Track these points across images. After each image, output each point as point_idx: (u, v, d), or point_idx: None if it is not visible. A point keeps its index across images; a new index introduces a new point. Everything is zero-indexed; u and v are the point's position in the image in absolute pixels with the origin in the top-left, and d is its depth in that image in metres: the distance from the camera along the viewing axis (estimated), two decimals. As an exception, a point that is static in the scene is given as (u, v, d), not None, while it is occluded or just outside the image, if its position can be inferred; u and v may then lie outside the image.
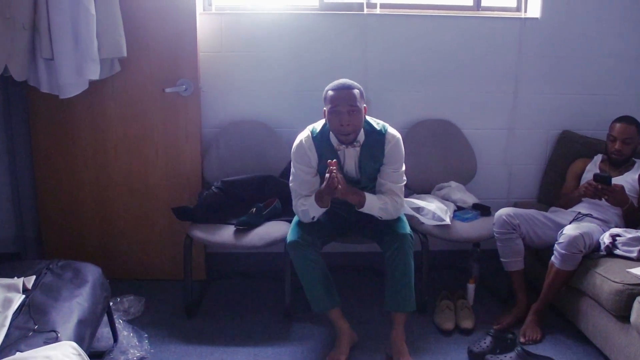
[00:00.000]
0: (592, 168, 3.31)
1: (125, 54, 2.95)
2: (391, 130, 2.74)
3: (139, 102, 3.21)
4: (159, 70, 3.13)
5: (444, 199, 3.38)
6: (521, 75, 3.53)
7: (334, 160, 2.54)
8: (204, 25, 3.29)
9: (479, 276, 3.28)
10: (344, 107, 2.57)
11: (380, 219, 2.73)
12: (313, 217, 2.71)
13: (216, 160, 3.33)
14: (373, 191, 2.78)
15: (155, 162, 3.27)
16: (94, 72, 2.84)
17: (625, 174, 3.20)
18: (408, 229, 2.74)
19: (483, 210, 3.32)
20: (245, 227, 2.92)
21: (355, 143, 2.67)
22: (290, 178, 2.76)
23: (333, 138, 2.69)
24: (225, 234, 2.93)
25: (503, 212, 3.07)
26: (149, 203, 3.32)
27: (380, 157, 2.73)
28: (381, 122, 2.77)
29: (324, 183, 2.55)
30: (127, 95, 3.20)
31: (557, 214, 3.20)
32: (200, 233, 2.95)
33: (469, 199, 3.39)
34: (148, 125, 3.23)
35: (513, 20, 3.48)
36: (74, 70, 2.82)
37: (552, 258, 2.88)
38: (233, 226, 2.94)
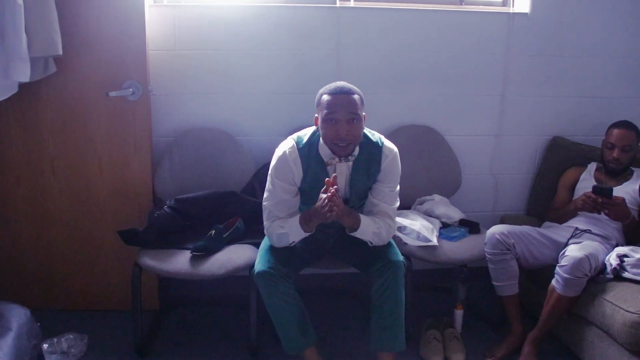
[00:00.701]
0: (587, 177, 3.11)
1: (60, 52, 2.56)
2: (388, 144, 2.44)
3: (78, 108, 2.83)
4: (102, 71, 2.78)
5: (427, 214, 3.10)
6: (509, 76, 3.31)
7: (334, 175, 2.25)
8: (155, 19, 2.96)
9: (467, 299, 3.01)
10: (342, 115, 2.24)
11: (369, 244, 2.41)
12: (292, 243, 2.37)
13: (169, 175, 2.98)
14: (361, 211, 2.48)
15: (99, 177, 2.90)
16: (24, 74, 2.41)
17: (625, 184, 2.99)
18: (400, 256, 2.43)
19: (471, 227, 3.04)
20: (202, 253, 2.57)
21: (349, 157, 2.35)
22: (265, 195, 2.40)
23: (323, 149, 2.35)
24: (180, 261, 2.57)
25: (496, 230, 2.79)
26: (92, 224, 2.95)
27: (375, 173, 2.42)
28: (376, 134, 2.47)
29: (318, 205, 2.22)
30: (64, 101, 2.81)
31: (552, 230, 2.95)
32: (150, 260, 2.57)
33: (455, 214, 3.12)
34: (90, 135, 2.85)
35: (500, 16, 3.25)
36: (-1, 70, 2.39)
37: (553, 282, 2.61)
38: (189, 252, 2.59)
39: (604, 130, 3.07)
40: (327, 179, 2.22)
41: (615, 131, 2.97)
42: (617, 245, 2.79)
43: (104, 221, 2.94)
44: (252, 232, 2.76)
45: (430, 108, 3.29)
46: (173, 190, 2.95)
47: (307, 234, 2.35)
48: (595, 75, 3.37)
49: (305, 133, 2.42)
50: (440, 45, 3.23)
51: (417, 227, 2.78)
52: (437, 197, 3.16)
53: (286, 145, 2.37)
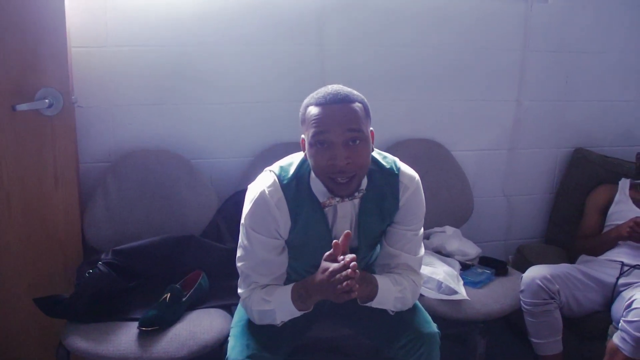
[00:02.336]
0: (622, 199, 2.73)
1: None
2: (407, 170, 1.83)
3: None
4: (6, 77, 2.22)
5: (436, 251, 2.58)
6: (526, 76, 2.93)
7: (346, 233, 1.64)
8: (79, 6, 2.40)
9: (487, 355, 2.51)
10: (337, 136, 1.62)
11: (390, 312, 1.82)
12: (280, 323, 1.76)
13: (104, 215, 2.40)
14: (372, 263, 1.94)
15: (7, 220, 2.29)
16: None
17: None
18: (434, 325, 1.85)
19: (498, 267, 2.53)
20: (155, 328, 1.96)
21: (355, 193, 1.72)
22: (239, 254, 1.78)
23: (317, 186, 1.73)
24: (123, 340, 1.93)
25: (535, 274, 2.34)
26: (-1, 285, 2.36)
27: (391, 212, 1.81)
28: (389, 156, 1.87)
29: (323, 278, 1.61)
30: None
31: (593, 267, 2.52)
32: (80, 340, 1.93)
33: (471, 250, 2.63)
34: (-9, 164, 2.29)
35: (516, 4, 2.85)
36: None
37: (617, 341, 2.16)
38: (136, 325, 1.99)
39: (633, 138, 2.98)
40: (335, 241, 1.62)
41: None
42: (675, 284, 2.39)
43: (15, 282, 2.33)
44: (221, 290, 2.20)
45: (434, 117, 2.86)
46: (110, 236, 2.39)
47: (301, 314, 1.73)
48: (624, 74, 3.05)
49: (290, 162, 1.79)
50: (445, 42, 2.80)
51: (441, 275, 2.21)
52: (449, 229, 2.67)
53: (264, 182, 1.74)
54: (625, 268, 2.42)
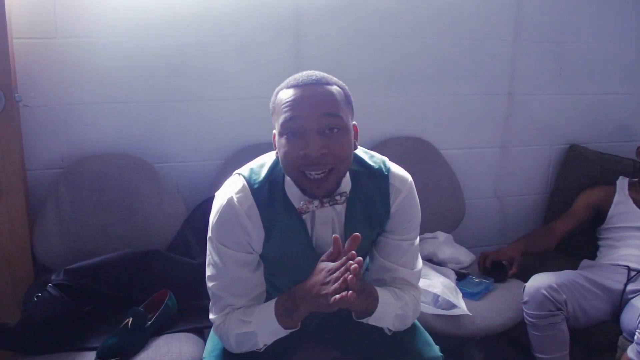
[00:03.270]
0: (622, 199, 2.60)
1: None
2: (397, 171, 1.59)
3: None
4: None
5: (427, 259, 2.39)
6: (517, 69, 2.77)
7: (356, 235, 1.39)
8: None
9: None
10: (311, 121, 1.39)
11: (387, 331, 1.60)
12: (262, 347, 1.52)
13: (56, 229, 2.16)
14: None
15: None
16: None
17: None
18: (437, 349, 1.63)
19: (497, 273, 2.35)
20: (114, 359, 1.72)
21: (337, 197, 1.48)
22: (209, 273, 1.54)
23: (292, 189, 1.49)
24: None
25: (540, 283, 2.15)
26: None
27: (382, 218, 1.59)
28: (377, 155, 1.63)
29: (315, 282, 1.39)
30: None
31: (598, 273, 2.35)
32: None
33: (464, 257, 2.47)
34: None
35: None
36: None
37: (631, 354, 2.02)
38: (93, 355, 1.76)
39: (630, 133, 2.88)
40: (334, 235, 1.40)
41: None
42: (684, 289, 2.25)
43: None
44: (191, 311, 1.98)
45: (421, 114, 2.68)
46: (63, 252, 2.15)
47: (287, 332, 1.49)
48: (619, 65, 2.90)
49: (262, 163, 1.56)
50: (432, 34, 2.62)
51: (439, 288, 2.00)
52: (440, 235, 2.49)
53: (232, 187, 1.52)
54: (633, 273, 2.26)
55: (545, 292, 2.09)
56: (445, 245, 2.41)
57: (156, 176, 2.27)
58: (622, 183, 2.61)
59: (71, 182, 2.19)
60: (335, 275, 1.33)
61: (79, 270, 1.92)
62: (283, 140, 1.41)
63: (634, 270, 2.27)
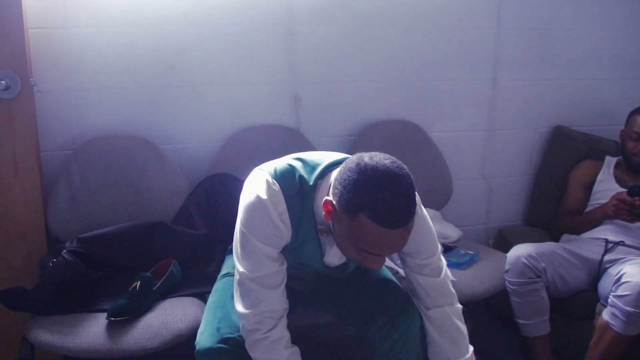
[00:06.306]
0: (606, 177, 2.65)
1: None
2: None
3: None
4: None
5: None
6: (501, 55, 2.85)
7: None
8: None
9: (473, 340, 2.33)
10: (388, 253, 1.48)
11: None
12: None
13: (68, 204, 2.24)
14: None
15: None
16: None
17: None
18: (413, 304, 1.72)
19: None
20: (124, 317, 1.83)
21: None
22: (239, 266, 1.58)
23: (319, 210, 1.53)
24: (91, 332, 1.80)
25: (520, 252, 2.26)
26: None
27: None
28: None
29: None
30: None
31: (577, 245, 2.44)
32: (45, 334, 1.79)
33: (452, 232, 2.55)
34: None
35: None
36: None
37: (607, 317, 2.10)
38: (104, 316, 1.85)
39: (612, 118, 2.89)
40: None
41: None
42: (658, 260, 2.33)
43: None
44: (194, 278, 2.07)
45: (408, 98, 2.74)
46: (75, 225, 2.23)
47: None
48: (604, 51, 2.97)
49: (295, 173, 1.56)
50: (417, 20, 2.67)
51: None
52: (429, 211, 2.46)
53: (267, 190, 1.53)
54: (610, 245, 2.35)
55: (525, 260, 2.19)
56: (434, 221, 2.39)
57: (161, 156, 2.35)
58: (610, 161, 2.67)
59: (81, 162, 2.28)
60: None
61: (90, 239, 2.02)
62: (355, 247, 1.42)
63: (611, 242, 2.35)
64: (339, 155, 1.58)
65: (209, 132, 2.46)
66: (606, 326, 2.06)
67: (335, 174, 1.45)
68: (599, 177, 2.63)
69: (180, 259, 2.11)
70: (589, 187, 2.64)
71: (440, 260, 1.70)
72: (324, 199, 1.43)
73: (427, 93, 2.74)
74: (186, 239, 2.15)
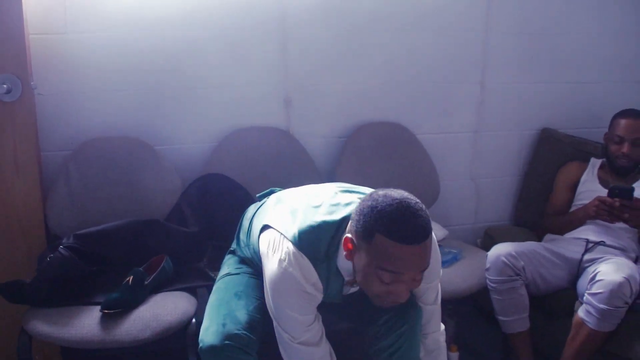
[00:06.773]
0: (589, 178, 2.69)
1: None
2: None
3: None
4: None
5: None
6: (489, 59, 2.88)
7: None
8: None
9: (457, 337, 2.52)
10: (410, 275, 1.47)
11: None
12: None
13: (66, 202, 2.31)
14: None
15: None
16: None
17: (637, 183, 2.54)
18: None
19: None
20: (117, 310, 1.90)
21: None
22: (286, 334, 1.62)
23: (344, 264, 1.59)
24: (86, 323, 1.88)
25: (500, 251, 2.31)
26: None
27: None
28: None
29: None
30: None
31: (559, 245, 2.50)
32: (42, 325, 1.88)
33: (437, 231, 2.56)
34: (-51, 152, 2.17)
35: None
36: None
37: (582, 314, 2.15)
38: (98, 309, 1.93)
39: (598, 121, 2.87)
40: None
41: (624, 122, 2.55)
42: (638, 259, 2.38)
43: (-23, 270, 2.23)
44: (185, 273, 2.15)
45: (397, 100, 2.78)
46: (72, 222, 2.29)
47: None
48: (590, 56, 3.00)
49: (319, 238, 1.57)
50: (406, 23, 2.71)
51: None
52: None
53: (293, 260, 1.54)
54: (590, 244, 2.39)
55: (504, 259, 2.25)
56: (419, 221, 2.57)
57: (156, 156, 2.42)
58: (595, 162, 2.70)
59: (80, 162, 2.35)
60: None
61: (86, 235, 2.08)
62: (374, 275, 1.45)
63: (592, 242, 2.39)
64: (349, 198, 1.64)
65: (203, 134, 2.51)
66: (581, 323, 2.12)
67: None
68: (583, 177, 2.67)
69: (172, 255, 2.17)
70: (574, 187, 2.68)
71: (439, 283, 1.77)
72: (344, 236, 1.48)
73: (417, 95, 2.77)
74: (178, 236, 2.21)
